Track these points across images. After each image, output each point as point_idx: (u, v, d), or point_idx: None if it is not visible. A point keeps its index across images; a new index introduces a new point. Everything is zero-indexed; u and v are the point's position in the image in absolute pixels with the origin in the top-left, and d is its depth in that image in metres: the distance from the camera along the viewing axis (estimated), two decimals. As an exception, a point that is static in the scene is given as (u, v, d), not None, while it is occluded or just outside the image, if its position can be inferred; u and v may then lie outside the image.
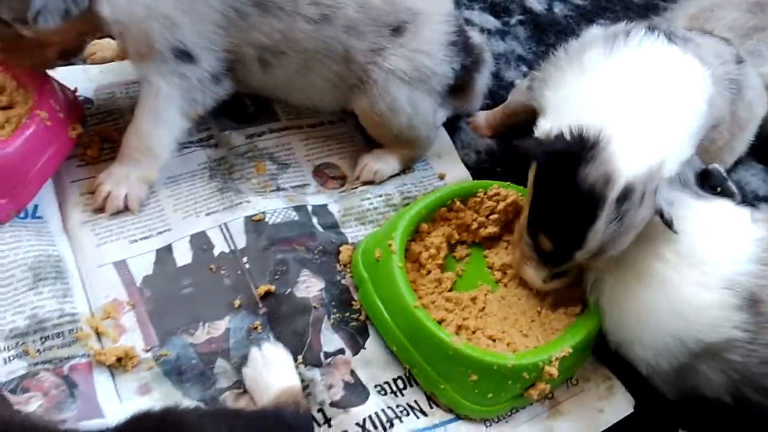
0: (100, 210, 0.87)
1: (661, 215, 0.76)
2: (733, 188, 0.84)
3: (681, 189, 0.83)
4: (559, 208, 0.76)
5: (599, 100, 0.77)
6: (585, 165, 0.73)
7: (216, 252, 0.88)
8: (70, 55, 0.91)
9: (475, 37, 1.07)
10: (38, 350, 0.75)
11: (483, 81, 1.08)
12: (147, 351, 0.78)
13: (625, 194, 0.73)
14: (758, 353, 0.73)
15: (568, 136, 0.75)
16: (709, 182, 0.85)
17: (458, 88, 1.01)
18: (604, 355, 0.87)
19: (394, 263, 0.83)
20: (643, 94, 0.78)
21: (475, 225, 0.93)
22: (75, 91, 0.95)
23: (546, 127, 0.79)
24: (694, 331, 0.76)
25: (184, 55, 0.83)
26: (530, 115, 1.04)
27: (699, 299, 0.76)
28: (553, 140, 0.75)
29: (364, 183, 1.00)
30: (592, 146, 0.74)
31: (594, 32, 0.89)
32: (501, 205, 0.93)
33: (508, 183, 0.95)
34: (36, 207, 0.86)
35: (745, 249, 0.78)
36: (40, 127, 0.83)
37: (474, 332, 0.83)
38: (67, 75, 0.96)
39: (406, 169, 1.03)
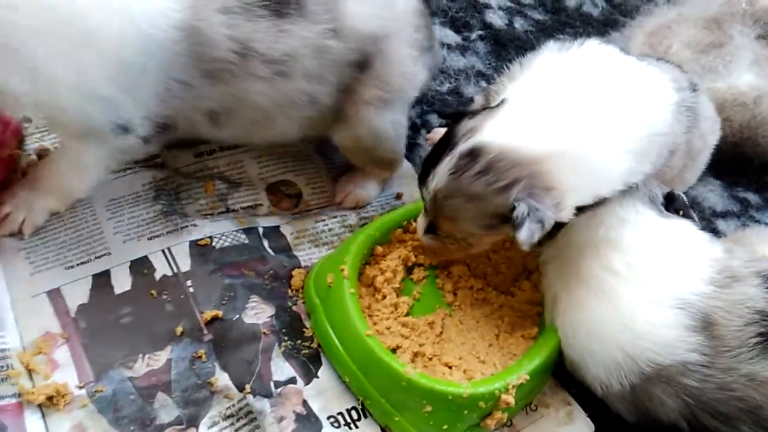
0: None
1: (512, 210, 0.68)
2: (694, 215, 0.84)
3: (647, 205, 0.82)
4: (434, 150, 0.75)
5: (529, 84, 0.75)
6: (465, 121, 0.73)
7: (157, 276, 0.83)
8: None
9: None
10: (-39, 391, 0.70)
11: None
12: (81, 387, 0.73)
13: (472, 152, 0.70)
14: (715, 378, 0.72)
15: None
16: (673, 205, 0.85)
17: None
18: (564, 378, 0.85)
19: (345, 289, 0.80)
20: (582, 89, 0.74)
21: (432, 246, 0.90)
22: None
23: None
24: (646, 350, 0.74)
25: (122, 129, 0.75)
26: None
27: (649, 315, 0.75)
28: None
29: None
30: (485, 109, 0.73)
31: (550, 45, 0.88)
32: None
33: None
34: (-36, 233, 0.81)
35: (698, 269, 0.77)
36: (-31, 149, 0.78)
37: (430, 359, 0.80)
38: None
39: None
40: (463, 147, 0.71)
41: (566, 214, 0.72)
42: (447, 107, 1.17)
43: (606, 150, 0.72)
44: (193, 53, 0.73)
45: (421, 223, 0.80)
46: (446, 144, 0.73)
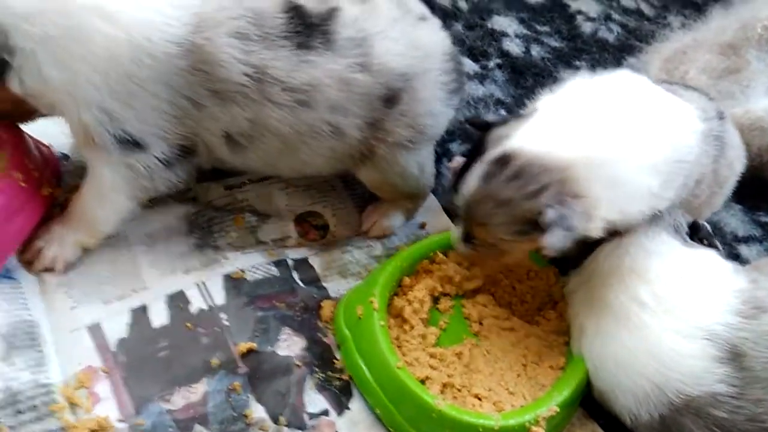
0: (29, 264, 0.85)
1: (539, 213, 0.70)
2: (719, 244, 0.86)
3: (672, 234, 0.84)
4: (467, 160, 0.79)
5: (560, 99, 0.78)
6: (495, 129, 0.77)
7: (193, 309, 0.86)
8: (11, 116, 0.84)
9: None
10: (11, 426, 0.71)
11: None
12: (122, 421, 0.75)
13: (504, 159, 0.73)
14: (745, 410, 0.72)
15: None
16: (697, 234, 0.86)
17: None
18: (592, 409, 0.86)
19: (375, 321, 0.82)
20: (612, 106, 0.77)
21: (458, 277, 0.92)
22: (50, 146, 0.94)
23: None
24: (674, 381, 0.75)
25: (130, 144, 0.77)
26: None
27: (677, 347, 0.76)
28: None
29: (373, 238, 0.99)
30: (516, 117, 0.77)
31: (581, 74, 0.90)
32: (483, 255, 0.93)
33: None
34: (7, 268, 0.83)
35: (724, 300, 0.78)
36: (14, 189, 0.81)
37: (459, 390, 0.81)
38: (41, 130, 0.93)
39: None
40: (493, 153, 0.73)
41: (595, 228, 0.74)
42: (468, 135, 1.19)
43: (632, 163, 0.75)
44: (197, 71, 0.75)
45: (455, 233, 0.82)
46: (477, 152, 0.75)
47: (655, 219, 0.82)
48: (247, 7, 0.76)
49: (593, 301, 0.82)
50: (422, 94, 0.85)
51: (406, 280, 0.90)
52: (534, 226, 0.72)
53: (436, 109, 0.88)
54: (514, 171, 0.72)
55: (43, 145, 0.92)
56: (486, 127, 0.79)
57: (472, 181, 0.75)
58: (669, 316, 0.77)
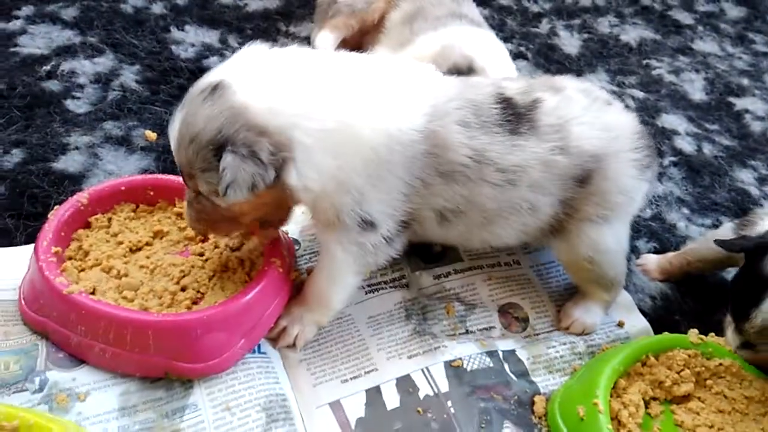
0: (274, 341, 0.94)
1: None
2: None
3: None
4: (743, 284, 0.90)
5: None
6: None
7: (421, 395, 0.92)
8: (272, 224, 0.95)
9: None
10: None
11: None
12: (369, 499, 0.82)
13: None
14: None
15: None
16: None
17: None
18: None
19: (602, 424, 0.84)
20: None
21: (668, 382, 0.93)
22: (286, 233, 1.06)
23: None
24: None
25: (368, 224, 0.87)
26: (718, 266, 1.07)
27: None
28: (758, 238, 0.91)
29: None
30: None
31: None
32: (695, 361, 0.94)
33: (709, 340, 0.96)
34: (259, 344, 0.93)
35: None
36: (275, 275, 0.92)
37: (685, 501, 0.82)
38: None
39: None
40: None
41: None
42: (655, 233, 1.22)
43: None
44: (431, 154, 0.86)
45: (734, 341, 0.93)
46: (758, 281, 0.86)
47: None
48: (468, 99, 0.89)
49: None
50: (613, 174, 0.92)
51: (621, 383, 0.92)
52: None
53: (627, 185, 0.94)
54: None
55: (285, 233, 1.04)
56: (745, 249, 0.86)
57: (765, 313, 0.84)
58: None
